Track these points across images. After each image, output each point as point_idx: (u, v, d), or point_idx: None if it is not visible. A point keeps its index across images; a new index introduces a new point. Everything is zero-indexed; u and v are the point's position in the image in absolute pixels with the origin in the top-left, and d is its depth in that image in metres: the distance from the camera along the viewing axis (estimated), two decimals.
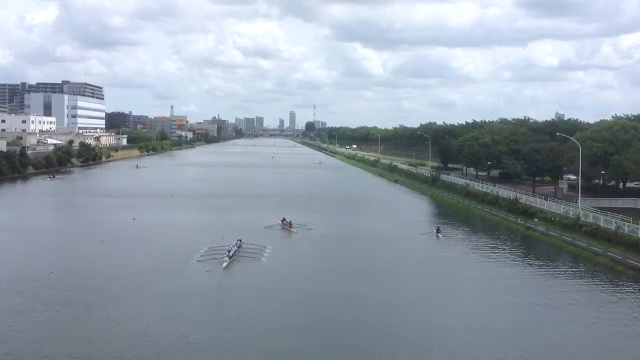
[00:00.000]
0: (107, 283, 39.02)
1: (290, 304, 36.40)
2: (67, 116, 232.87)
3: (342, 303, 36.56)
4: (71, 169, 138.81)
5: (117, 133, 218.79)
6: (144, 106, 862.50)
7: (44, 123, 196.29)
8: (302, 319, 33.47)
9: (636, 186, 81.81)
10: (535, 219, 63.96)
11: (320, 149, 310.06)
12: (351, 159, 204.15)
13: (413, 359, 28.50)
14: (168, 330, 30.77)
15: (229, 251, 46.64)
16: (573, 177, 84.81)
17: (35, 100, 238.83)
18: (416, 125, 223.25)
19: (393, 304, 36.33)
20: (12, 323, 31.28)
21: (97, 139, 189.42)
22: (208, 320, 32.82)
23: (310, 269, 45.49)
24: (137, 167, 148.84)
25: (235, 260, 46.15)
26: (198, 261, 45.57)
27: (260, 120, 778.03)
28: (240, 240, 50.40)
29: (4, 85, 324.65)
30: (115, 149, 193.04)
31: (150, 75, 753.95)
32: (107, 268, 43.09)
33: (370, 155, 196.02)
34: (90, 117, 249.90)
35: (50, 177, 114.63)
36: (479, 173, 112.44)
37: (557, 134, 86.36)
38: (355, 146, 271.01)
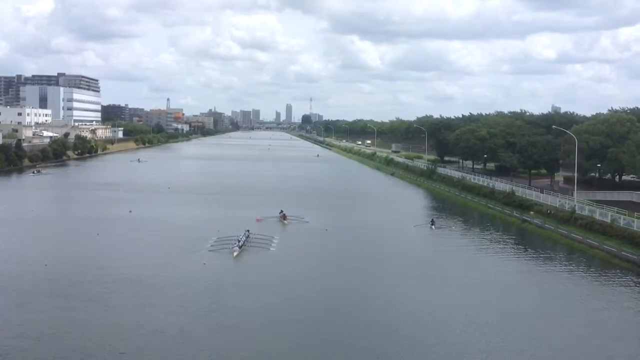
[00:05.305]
0: (103, 276, 38.85)
1: (298, 296, 36.39)
2: (63, 109, 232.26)
3: (340, 297, 36.77)
4: (67, 161, 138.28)
5: (113, 126, 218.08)
6: (140, 99, 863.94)
7: (40, 115, 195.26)
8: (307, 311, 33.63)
9: (632, 179, 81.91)
10: (531, 212, 64.05)
11: (316, 142, 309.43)
12: (348, 152, 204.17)
13: (411, 353, 28.58)
14: (167, 323, 30.64)
15: (239, 241, 47.31)
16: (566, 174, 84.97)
17: (30, 92, 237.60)
18: (413, 118, 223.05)
19: (383, 299, 36.40)
20: (6, 317, 31.10)
21: (93, 131, 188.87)
22: (208, 312, 32.78)
23: (312, 260, 45.79)
24: (138, 160, 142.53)
25: (245, 250, 46.64)
26: (209, 251, 46.15)
27: (256, 113, 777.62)
28: (249, 231, 51.02)
29: None
30: (111, 141, 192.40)
31: (147, 67, 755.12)
32: (103, 261, 42.99)
33: (367, 149, 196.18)
34: (86, 110, 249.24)
35: (34, 172, 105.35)
36: (475, 166, 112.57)
37: (554, 127, 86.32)
38: (369, 142, 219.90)
